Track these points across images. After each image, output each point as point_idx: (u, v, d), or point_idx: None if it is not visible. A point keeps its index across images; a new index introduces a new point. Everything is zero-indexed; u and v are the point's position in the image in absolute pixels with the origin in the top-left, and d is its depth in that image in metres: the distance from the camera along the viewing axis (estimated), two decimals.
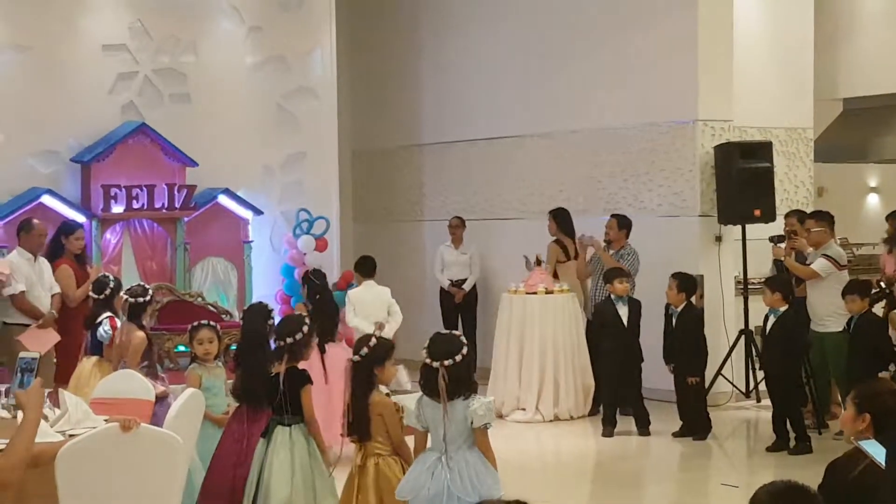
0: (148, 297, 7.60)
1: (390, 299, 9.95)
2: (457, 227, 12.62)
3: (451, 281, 12.60)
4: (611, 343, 9.87)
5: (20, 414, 4.28)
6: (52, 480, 4.59)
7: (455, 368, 5.08)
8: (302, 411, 5.80)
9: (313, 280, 9.25)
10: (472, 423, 5.07)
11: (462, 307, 12.64)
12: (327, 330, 8.43)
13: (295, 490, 5.71)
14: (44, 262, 9.34)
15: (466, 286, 12.56)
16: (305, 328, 5.92)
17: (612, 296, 9.87)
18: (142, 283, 8.05)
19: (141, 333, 7.48)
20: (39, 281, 9.29)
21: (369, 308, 9.79)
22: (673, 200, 11.42)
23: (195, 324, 6.90)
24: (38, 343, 8.89)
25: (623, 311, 9.80)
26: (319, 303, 9.02)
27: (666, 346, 9.75)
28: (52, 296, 9.26)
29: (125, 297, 7.51)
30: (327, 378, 8.14)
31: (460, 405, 5.09)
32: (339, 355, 8.22)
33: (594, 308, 10.32)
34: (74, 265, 9.54)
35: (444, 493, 5.07)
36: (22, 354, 4.24)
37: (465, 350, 5.13)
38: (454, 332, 5.33)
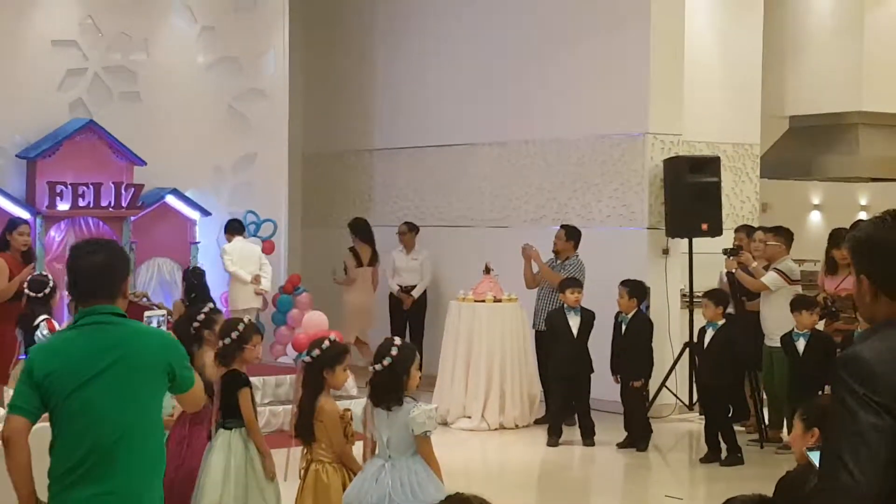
0: (48, 290, 7.56)
1: (261, 254, 11.49)
2: (404, 233, 12.58)
3: (401, 287, 12.58)
4: (560, 352, 9.91)
5: None
6: None
7: (380, 373, 5.08)
8: (241, 414, 5.74)
9: (191, 279, 9.85)
10: (412, 430, 5.06)
11: (411, 313, 12.63)
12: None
13: (226, 494, 5.65)
14: None
15: (416, 292, 12.54)
16: (235, 333, 5.82)
17: (565, 305, 9.91)
18: (44, 274, 7.99)
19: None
20: None
21: (244, 261, 11.24)
22: (622, 212, 11.49)
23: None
24: None
25: (574, 321, 9.85)
26: (195, 301, 9.18)
27: (613, 355, 9.80)
28: None
29: (27, 291, 7.45)
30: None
31: (402, 412, 5.08)
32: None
33: (546, 316, 10.35)
34: (14, 261, 9.37)
35: (385, 500, 5.06)
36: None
37: (393, 351, 5.12)
38: (395, 338, 5.30)
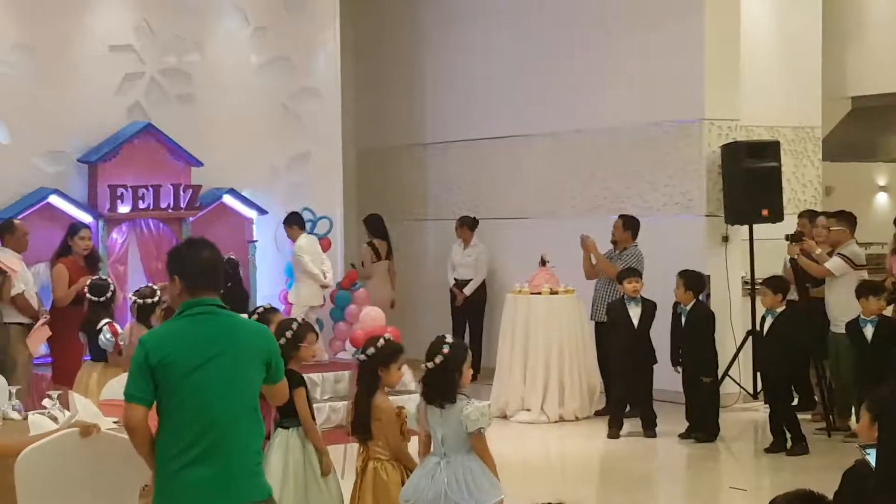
0: (156, 298, 7.59)
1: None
2: (458, 227, 12.68)
3: (457, 280, 12.63)
4: (621, 343, 9.83)
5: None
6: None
7: (432, 371, 5.08)
8: (297, 414, 5.76)
9: (226, 269, 9.58)
10: (466, 428, 5.06)
11: (468, 308, 12.65)
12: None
13: (285, 493, 5.68)
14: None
15: (468, 289, 12.62)
16: (290, 333, 5.85)
17: (625, 296, 9.83)
18: (150, 284, 8.03)
19: None
20: (32, 281, 9.37)
21: (315, 258, 11.12)
22: (679, 200, 11.38)
23: (268, 306, 6.80)
24: (37, 341, 8.95)
25: (634, 312, 9.76)
26: (230, 290, 9.23)
27: (674, 346, 9.71)
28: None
29: (134, 298, 7.50)
30: None
31: (455, 410, 5.08)
32: None
33: (606, 307, 10.27)
34: (76, 266, 9.48)
35: (441, 498, 5.06)
36: None
37: (444, 349, 5.11)
38: (447, 335, 5.29)
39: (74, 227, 9.77)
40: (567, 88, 12.31)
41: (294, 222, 11.29)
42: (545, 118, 12.53)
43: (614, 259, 10.58)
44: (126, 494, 4.53)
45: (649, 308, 9.79)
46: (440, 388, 5.10)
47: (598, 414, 10.61)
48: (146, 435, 4.16)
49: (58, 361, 9.19)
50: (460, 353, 5.21)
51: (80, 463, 4.54)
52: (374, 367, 5.46)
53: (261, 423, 4.27)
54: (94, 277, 8.45)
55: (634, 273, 9.90)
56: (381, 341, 5.51)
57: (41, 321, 9.12)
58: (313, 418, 5.87)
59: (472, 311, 12.71)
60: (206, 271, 4.22)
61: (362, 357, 5.49)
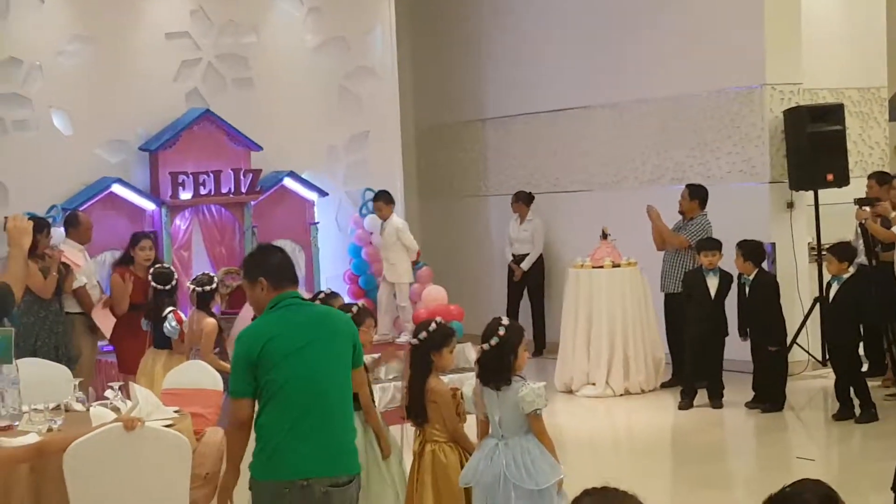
0: (214, 285, 7.65)
1: None
2: (514, 202, 12.69)
3: (514, 256, 12.66)
4: (696, 314, 9.75)
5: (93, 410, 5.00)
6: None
7: (487, 353, 5.06)
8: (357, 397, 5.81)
9: None
10: (523, 409, 5.03)
11: (526, 283, 12.67)
12: None
13: None
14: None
15: (525, 263, 12.61)
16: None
17: (703, 267, 9.73)
18: (206, 272, 8.10)
19: (212, 320, 7.55)
20: (94, 272, 9.53)
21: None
22: (742, 167, 11.23)
23: (361, 305, 6.84)
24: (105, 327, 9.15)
25: (712, 283, 9.67)
26: None
27: (741, 316, 9.60)
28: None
29: (192, 286, 7.57)
30: None
31: (511, 391, 5.05)
32: None
33: (682, 277, 10.18)
34: (137, 277, 9.15)
35: (500, 480, 5.05)
36: None
37: (500, 331, 5.08)
38: (503, 318, 5.26)
39: (136, 238, 9.47)
40: (627, 59, 12.17)
41: (387, 199, 11.14)
42: (605, 89, 12.41)
43: (681, 229, 10.48)
44: (173, 487, 4.58)
45: (726, 279, 9.69)
46: (496, 369, 5.09)
47: (663, 386, 10.55)
48: (249, 430, 4.41)
49: (121, 350, 9.30)
50: (516, 334, 5.19)
51: (128, 456, 4.60)
52: (426, 351, 5.45)
53: (351, 403, 4.56)
54: (158, 266, 8.51)
55: (713, 245, 9.77)
56: (433, 325, 5.50)
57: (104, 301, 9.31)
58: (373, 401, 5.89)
59: (531, 285, 12.69)
60: (285, 268, 4.58)
61: (414, 341, 5.49)
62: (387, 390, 9.69)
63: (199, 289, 7.51)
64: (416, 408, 5.45)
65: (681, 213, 10.58)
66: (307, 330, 4.41)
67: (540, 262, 12.71)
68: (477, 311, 11.17)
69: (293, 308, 4.48)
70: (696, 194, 10.51)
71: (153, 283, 8.25)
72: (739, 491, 7.75)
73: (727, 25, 11.19)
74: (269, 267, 4.57)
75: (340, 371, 4.43)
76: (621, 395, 10.39)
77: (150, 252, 9.24)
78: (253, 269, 4.59)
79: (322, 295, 6.59)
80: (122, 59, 11.12)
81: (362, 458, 5.68)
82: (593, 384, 10.47)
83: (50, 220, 9.71)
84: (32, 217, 9.22)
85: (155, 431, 4.59)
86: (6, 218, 4.46)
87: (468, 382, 6.04)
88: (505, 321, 5.19)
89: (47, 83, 10.74)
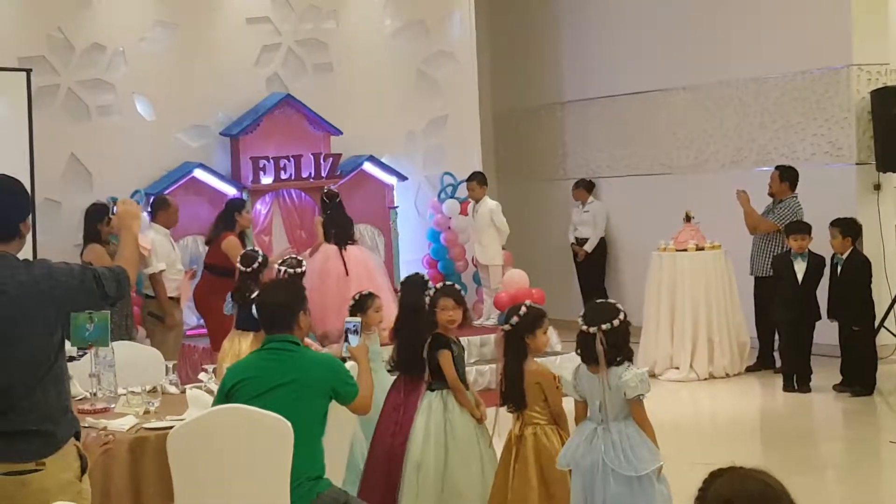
0: (304, 268, 7.63)
1: None
2: (576, 189, 12.93)
3: (577, 239, 12.88)
4: (783, 298, 9.63)
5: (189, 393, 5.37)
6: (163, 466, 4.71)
7: (612, 334, 4.97)
8: (444, 377, 5.80)
9: (325, 199, 10.48)
10: (624, 394, 4.97)
11: (588, 265, 12.81)
12: (343, 236, 10.18)
13: (425, 455, 5.72)
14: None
15: (588, 246, 12.79)
16: (427, 298, 5.94)
17: (791, 251, 9.60)
18: (294, 255, 8.10)
19: None
20: (178, 258, 9.54)
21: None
22: (828, 149, 11.04)
23: (367, 292, 6.90)
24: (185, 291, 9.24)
25: (799, 267, 9.53)
26: (331, 216, 10.32)
27: (831, 298, 9.46)
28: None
29: (283, 269, 7.53)
30: (348, 271, 9.90)
31: (613, 375, 4.99)
32: (356, 254, 10.11)
33: (770, 261, 10.04)
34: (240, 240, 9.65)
35: (599, 465, 4.99)
36: (347, 319, 5.33)
37: (621, 316, 5.02)
38: (610, 300, 5.21)
39: (238, 203, 9.99)
40: (707, 40, 12.01)
41: (481, 180, 11.10)
42: (685, 71, 12.26)
43: (771, 212, 10.34)
44: (276, 470, 4.59)
45: (816, 263, 9.53)
46: (619, 351, 5.01)
47: (749, 370, 10.43)
48: None
49: (213, 332, 9.37)
50: (537, 316, 5.34)
51: (231, 439, 4.61)
52: (520, 336, 5.40)
53: (317, 449, 4.80)
54: (247, 249, 8.57)
55: (802, 229, 9.62)
56: (524, 308, 5.45)
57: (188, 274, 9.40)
58: (463, 381, 5.87)
59: (592, 268, 12.80)
60: (277, 313, 4.94)
61: (507, 326, 5.45)
62: (467, 374, 9.65)
63: (290, 270, 7.49)
64: (513, 393, 5.41)
65: (770, 195, 10.42)
66: (278, 376, 4.76)
67: (603, 246, 12.82)
68: (556, 295, 11.12)
69: (274, 353, 4.85)
70: (787, 176, 10.35)
71: (238, 266, 8.27)
72: (831, 476, 7.63)
73: (812, 4, 11.00)
74: (260, 311, 5.07)
75: (300, 418, 4.62)
76: (705, 379, 10.29)
77: (251, 216, 9.84)
78: (298, 303, 4.99)
79: (358, 295, 6.74)
80: (204, 44, 11.20)
81: (441, 438, 5.71)
82: (677, 368, 10.38)
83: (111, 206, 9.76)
84: (94, 204, 9.45)
85: (259, 414, 4.60)
86: (114, 202, 4.52)
87: (558, 362, 5.99)
88: (620, 306, 5.09)
89: (130, 69, 10.85)
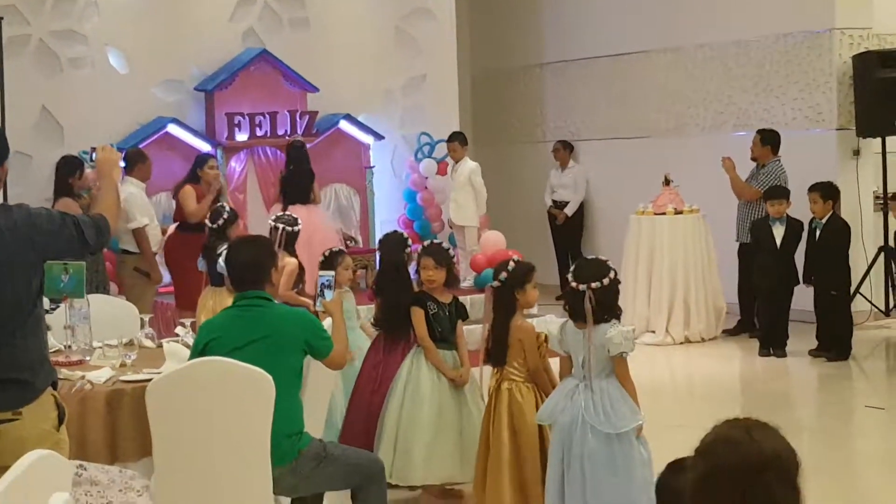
0: (300, 226, 7.51)
1: None
2: (558, 150, 12.78)
3: (555, 202, 12.74)
4: (761, 264, 9.60)
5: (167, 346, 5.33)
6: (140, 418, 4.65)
7: (601, 292, 4.93)
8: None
9: (288, 152, 10.44)
10: (608, 351, 4.93)
11: (567, 228, 12.71)
12: (295, 195, 10.06)
13: (429, 413, 5.74)
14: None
15: (569, 209, 12.67)
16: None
17: (770, 216, 9.56)
18: (290, 213, 7.93)
19: (294, 260, 7.40)
20: (154, 215, 9.37)
21: None
22: (808, 114, 11.00)
23: (336, 249, 6.83)
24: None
25: (778, 231, 9.48)
26: (290, 171, 10.29)
27: (807, 262, 9.44)
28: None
29: (280, 226, 7.41)
30: None
31: (599, 332, 4.95)
32: (302, 215, 8.77)
33: (749, 226, 10.01)
34: (202, 193, 9.47)
35: (578, 421, 4.96)
36: (321, 273, 5.28)
37: (612, 274, 4.99)
38: (601, 257, 5.16)
39: (202, 158, 9.75)
40: (688, 1, 11.91)
41: (462, 141, 11.09)
42: (666, 33, 12.18)
43: (754, 177, 10.29)
44: (256, 424, 4.51)
45: (794, 227, 9.48)
46: (606, 309, 4.97)
47: (727, 333, 10.42)
48: None
49: (179, 289, 9.25)
50: (525, 270, 5.37)
51: (212, 393, 4.52)
52: (510, 291, 5.37)
53: (295, 405, 4.75)
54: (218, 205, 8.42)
55: (780, 194, 9.56)
56: (512, 263, 5.42)
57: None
58: (446, 340, 5.83)
59: (570, 232, 12.72)
60: (248, 269, 4.88)
61: (496, 283, 5.40)
62: None
63: (288, 228, 7.38)
64: (498, 350, 5.37)
65: (753, 159, 10.37)
66: (249, 332, 4.70)
67: (580, 209, 12.78)
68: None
69: (246, 309, 4.80)
70: (769, 140, 10.29)
71: (206, 222, 8.13)
72: (806, 439, 7.61)
73: None
74: (230, 268, 5.00)
75: (276, 372, 4.53)
76: (681, 343, 10.27)
77: (217, 171, 9.54)
78: (225, 265, 5.00)
79: (328, 252, 6.77)
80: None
81: (452, 392, 5.69)
82: (653, 332, 10.35)
83: (85, 160, 9.58)
84: (65, 157, 9.27)
85: (239, 367, 4.51)
86: (93, 149, 4.38)
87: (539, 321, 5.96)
88: (611, 263, 5.06)
89: (103, 20, 10.65)
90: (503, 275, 5.38)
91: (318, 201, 10.41)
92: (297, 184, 10.14)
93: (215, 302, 7.83)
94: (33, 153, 10.27)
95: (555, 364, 5.40)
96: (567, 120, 13.39)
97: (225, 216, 7.67)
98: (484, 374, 5.74)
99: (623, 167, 12.56)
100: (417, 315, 5.82)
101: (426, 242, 6.26)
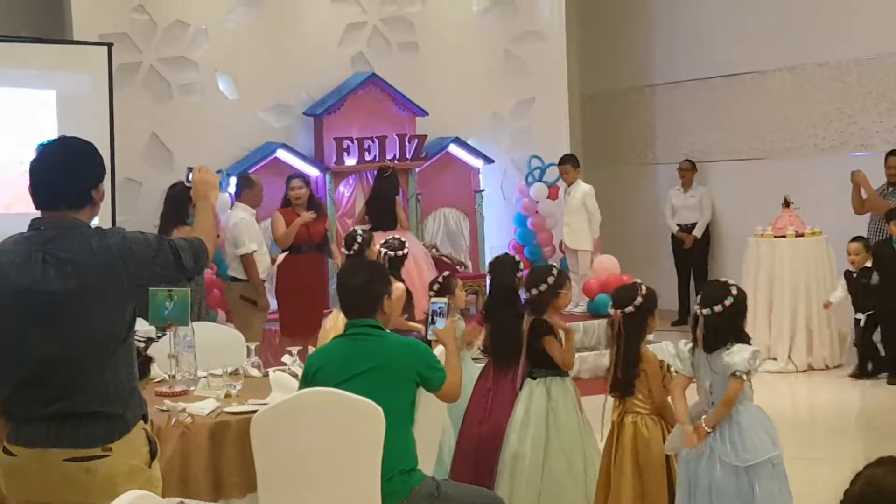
0: (406, 251, 7.30)
1: None
2: (686, 170, 12.33)
3: (680, 226, 12.27)
4: (883, 287, 9.20)
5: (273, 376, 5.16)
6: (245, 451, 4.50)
7: (713, 318, 4.70)
8: (547, 363, 5.55)
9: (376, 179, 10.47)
10: (726, 370, 4.68)
11: (694, 252, 12.26)
12: (379, 222, 10.07)
13: (522, 445, 5.49)
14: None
15: (697, 231, 12.24)
16: (551, 279, 5.61)
17: (892, 237, 9.16)
18: (397, 237, 7.74)
19: (401, 285, 7.20)
20: (263, 241, 9.24)
21: None
22: None
23: (448, 274, 6.65)
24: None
25: None
26: (372, 197, 10.39)
27: None
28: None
29: (384, 251, 7.22)
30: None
31: (721, 357, 4.71)
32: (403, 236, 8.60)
33: (872, 247, 9.59)
34: (294, 215, 9.25)
35: (705, 452, 4.71)
36: (433, 300, 5.11)
37: (727, 300, 4.74)
38: (722, 279, 4.91)
39: (288, 179, 9.57)
40: (806, 20, 11.53)
41: (574, 163, 10.89)
42: (783, 53, 11.79)
43: (887, 197, 9.87)
44: (365, 456, 4.33)
45: None
46: (723, 333, 4.77)
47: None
48: None
49: (284, 315, 9.15)
50: (744, 298, 4.96)
51: (319, 424, 4.35)
52: (643, 317, 5.17)
53: (407, 440, 4.57)
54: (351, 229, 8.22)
55: None
56: (644, 288, 5.22)
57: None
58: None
59: (697, 255, 12.28)
60: (359, 296, 4.71)
61: (629, 308, 5.18)
62: None
63: (391, 253, 7.16)
64: (626, 379, 5.14)
65: (891, 183, 9.96)
66: (360, 362, 4.54)
67: (706, 233, 12.34)
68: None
69: (356, 339, 4.63)
70: None
71: (343, 250, 7.93)
72: None
73: None
74: (342, 295, 4.84)
75: (387, 405, 4.35)
76: (804, 370, 9.87)
77: (298, 192, 9.32)
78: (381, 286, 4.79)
79: (441, 279, 6.53)
80: (288, 22, 11.01)
81: (542, 425, 5.46)
82: (774, 359, 9.98)
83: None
84: (178, 184, 9.17)
85: (349, 398, 4.34)
86: (189, 169, 4.20)
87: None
88: (733, 284, 4.84)
89: (213, 47, 10.69)
90: (638, 300, 5.15)
91: (404, 227, 10.23)
92: (380, 210, 10.12)
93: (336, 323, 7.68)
94: (143, 180, 10.33)
95: None
96: (678, 141, 13.07)
97: (359, 240, 7.35)
98: (597, 404, 5.47)
99: (739, 188, 12.20)
100: (552, 344, 5.54)
101: (558, 266, 6.05)
